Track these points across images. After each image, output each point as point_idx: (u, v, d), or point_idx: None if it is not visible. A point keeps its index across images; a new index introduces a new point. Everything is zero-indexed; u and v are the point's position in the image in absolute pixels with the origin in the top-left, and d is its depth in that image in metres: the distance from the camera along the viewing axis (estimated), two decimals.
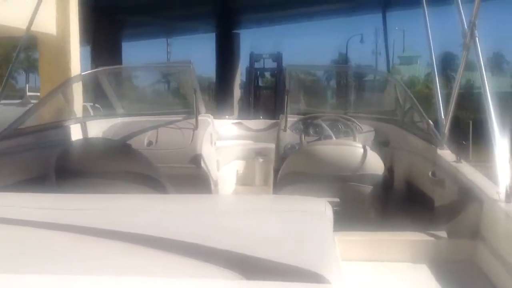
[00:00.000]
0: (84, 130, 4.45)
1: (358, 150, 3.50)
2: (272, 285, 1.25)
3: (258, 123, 5.94)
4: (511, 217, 1.90)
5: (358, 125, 4.65)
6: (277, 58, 22.67)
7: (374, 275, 2.17)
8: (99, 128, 4.61)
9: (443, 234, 2.37)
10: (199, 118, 4.52)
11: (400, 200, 3.74)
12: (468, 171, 2.58)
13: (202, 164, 4.31)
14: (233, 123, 5.94)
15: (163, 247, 1.48)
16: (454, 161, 2.76)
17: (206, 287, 1.25)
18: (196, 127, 4.43)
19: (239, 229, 1.72)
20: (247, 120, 5.93)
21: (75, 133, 4.31)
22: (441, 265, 2.20)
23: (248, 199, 2.34)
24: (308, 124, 4.69)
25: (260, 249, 1.43)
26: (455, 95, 3.04)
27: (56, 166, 3.31)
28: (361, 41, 43.14)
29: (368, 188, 3.47)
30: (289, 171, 3.61)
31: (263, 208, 2.10)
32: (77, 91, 8.48)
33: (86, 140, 3.96)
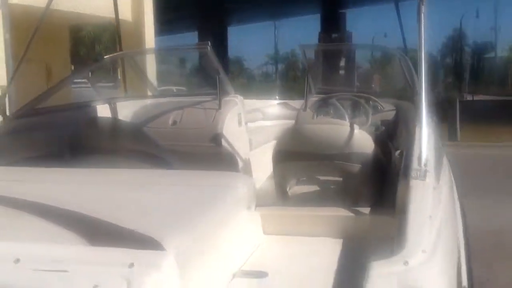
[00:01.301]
0: (114, 111, 4.59)
1: (345, 129, 3.37)
2: (109, 250, 1.40)
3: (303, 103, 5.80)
4: (421, 195, 1.92)
5: (380, 104, 4.41)
6: (347, 38, 22.09)
7: (291, 248, 2.28)
8: (130, 109, 4.72)
9: (366, 210, 2.42)
10: (226, 99, 4.51)
11: (385, 178, 3.57)
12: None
13: (224, 143, 4.30)
14: (278, 103, 5.85)
15: (36, 213, 1.67)
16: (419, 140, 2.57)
17: (48, 251, 1.40)
18: (219, 107, 4.42)
19: (122, 201, 1.89)
20: (293, 100, 5.80)
21: (105, 114, 4.44)
22: (358, 240, 2.25)
23: (169, 174, 2.46)
24: (326, 103, 4.54)
25: (124, 220, 1.58)
26: (424, 72, 2.77)
27: (70, 144, 3.46)
28: (477, 16, 40.61)
29: (355, 167, 3.41)
30: (280, 149, 3.62)
31: (173, 182, 2.24)
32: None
33: (97, 119, 4.09)
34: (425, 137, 2.17)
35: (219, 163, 4.10)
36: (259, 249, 2.23)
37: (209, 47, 4.44)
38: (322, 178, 3.69)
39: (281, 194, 3.63)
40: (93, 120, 4.07)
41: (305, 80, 5.42)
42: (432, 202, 1.88)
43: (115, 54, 5.04)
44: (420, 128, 2.21)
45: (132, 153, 3.30)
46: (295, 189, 3.80)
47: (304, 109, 4.63)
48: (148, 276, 1.30)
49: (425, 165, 2.06)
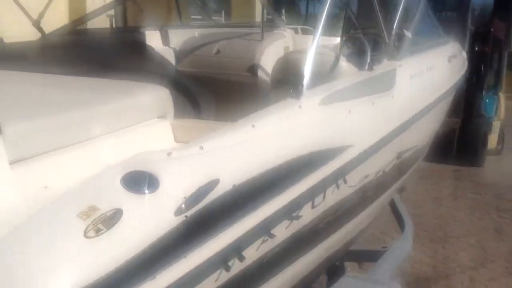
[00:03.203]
0: (165, 37, 4.79)
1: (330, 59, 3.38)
2: None
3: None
4: (273, 107, 2.11)
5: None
6: None
7: None
8: (180, 37, 4.89)
9: None
10: (274, 31, 4.55)
11: None
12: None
13: (261, 74, 4.37)
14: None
15: None
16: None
17: None
18: (261, 38, 4.47)
19: (25, 98, 2.21)
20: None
21: (155, 40, 4.67)
22: None
23: (103, 84, 2.63)
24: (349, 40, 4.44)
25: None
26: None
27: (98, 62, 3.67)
28: None
29: None
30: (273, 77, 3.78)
31: (94, 87, 2.51)
32: None
33: (130, 43, 4.39)
34: (310, 59, 2.32)
35: (254, 93, 4.18)
36: None
37: None
38: None
39: None
40: (125, 44, 4.30)
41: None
42: (277, 113, 2.07)
43: None
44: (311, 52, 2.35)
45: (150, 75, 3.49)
46: None
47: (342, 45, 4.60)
48: None
49: (302, 86, 2.22)
